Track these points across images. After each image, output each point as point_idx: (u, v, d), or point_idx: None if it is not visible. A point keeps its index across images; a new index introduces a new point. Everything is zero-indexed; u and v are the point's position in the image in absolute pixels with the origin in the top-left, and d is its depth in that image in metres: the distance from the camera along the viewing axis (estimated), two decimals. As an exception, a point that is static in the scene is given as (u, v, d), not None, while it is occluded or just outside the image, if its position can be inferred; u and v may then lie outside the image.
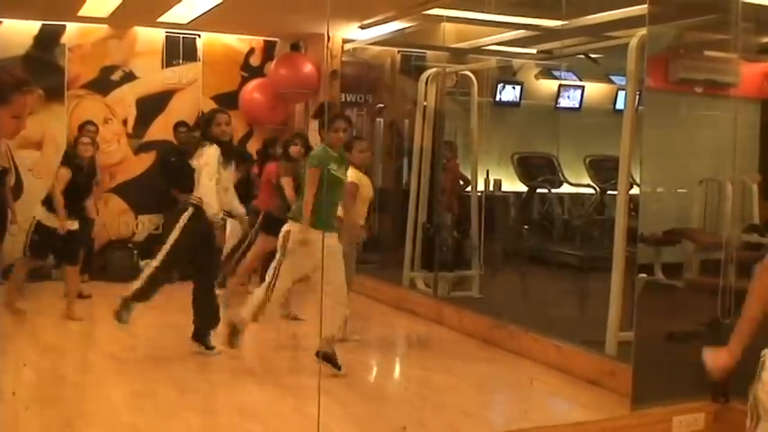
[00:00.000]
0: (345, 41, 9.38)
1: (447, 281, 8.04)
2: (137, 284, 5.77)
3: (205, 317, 5.90)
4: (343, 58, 9.51)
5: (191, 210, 5.75)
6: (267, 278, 5.44)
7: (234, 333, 5.48)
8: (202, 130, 5.96)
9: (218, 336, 5.77)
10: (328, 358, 5.34)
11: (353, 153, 6.05)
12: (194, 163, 5.81)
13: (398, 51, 9.94)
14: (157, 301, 7.84)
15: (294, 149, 7.16)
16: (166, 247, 5.77)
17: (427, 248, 8.34)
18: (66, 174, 7.00)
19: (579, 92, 10.10)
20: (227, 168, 5.85)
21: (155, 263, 5.77)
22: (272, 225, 6.95)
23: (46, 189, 8.78)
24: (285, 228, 5.41)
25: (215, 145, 5.73)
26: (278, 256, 5.41)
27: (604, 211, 8.80)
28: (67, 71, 9.03)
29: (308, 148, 7.20)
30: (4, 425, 4.37)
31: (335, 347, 5.44)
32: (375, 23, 8.32)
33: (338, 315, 5.39)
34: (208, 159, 5.69)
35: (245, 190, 7.60)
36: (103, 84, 9.22)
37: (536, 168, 9.37)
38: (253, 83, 9.72)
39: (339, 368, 5.37)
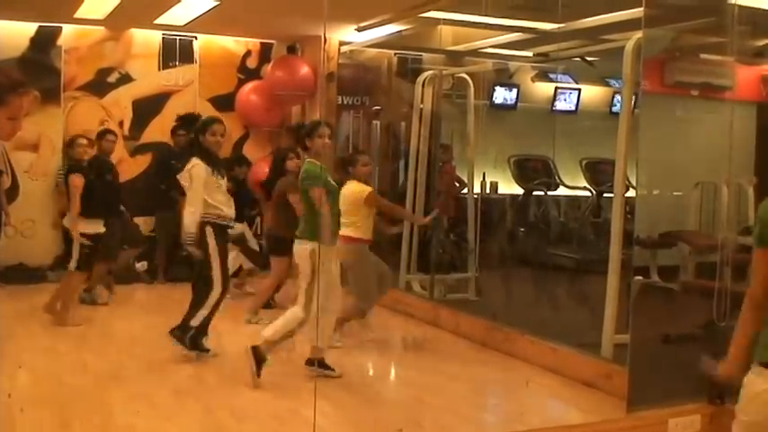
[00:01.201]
0: (342, 44, 9.38)
1: (443, 283, 8.04)
2: (204, 312, 5.73)
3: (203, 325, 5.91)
4: (340, 61, 9.52)
5: (210, 227, 5.72)
6: (301, 300, 5.26)
7: (260, 361, 5.26)
8: (195, 135, 5.88)
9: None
10: (322, 365, 5.42)
11: (357, 167, 6.20)
12: (181, 178, 5.80)
13: (395, 54, 9.94)
14: (152, 304, 7.87)
15: (291, 164, 7.10)
16: (218, 273, 5.72)
17: (423, 251, 8.34)
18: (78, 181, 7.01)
19: (575, 95, 10.10)
20: (220, 178, 5.81)
21: (217, 290, 5.73)
22: (276, 247, 6.94)
23: (42, 191, 8.85)
24: (308, 248, 5.26)
25: (201, 162, 5.69)
26: (308, 279, 5.24)
27: (600, 214, 8.80)
28: (64, 73, 9.02)
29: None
30: (0, 426, 4.36)
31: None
32: (372, 26, 8.33)
33: (330, 324, 5.49)
34: (195, 180, 5.68)
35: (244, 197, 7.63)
36: (100, 86, 9.21)
37: (532, 171, 9.37)
38: (249, 85, 9.72)
39: (333, 369, 5.43)
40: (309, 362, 5.45)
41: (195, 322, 5.76)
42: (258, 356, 5.22)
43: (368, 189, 6.19)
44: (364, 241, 6.19)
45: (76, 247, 6.84)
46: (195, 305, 5.77)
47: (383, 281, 6.46)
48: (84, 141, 7.24)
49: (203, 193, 5.66)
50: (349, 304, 6.04)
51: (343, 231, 6.17)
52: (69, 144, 7.46)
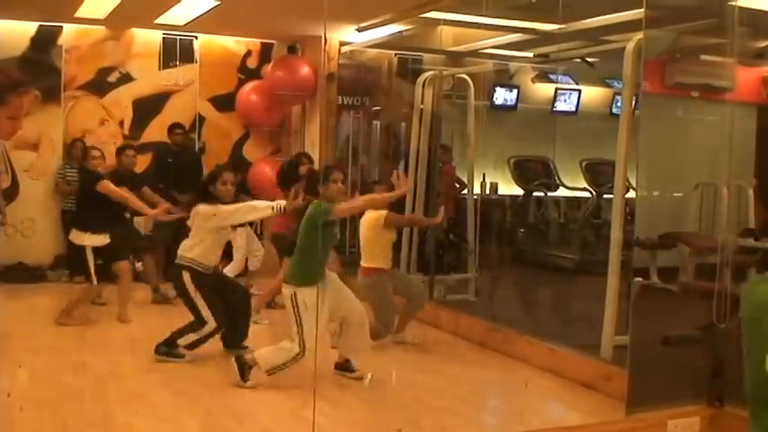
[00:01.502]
0: (342, 44, 9.38)
1: (443, 284, 8.03)
2: (194, 337, 5.76)
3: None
4: (340, 61, 9.52)
5: (186, 273, 5.75)
6: (295, 339, 5.13)
7: (244, 369, 5.26)
8: (204, 185, 5.86)
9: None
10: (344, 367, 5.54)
11: None
12: (190, 223, 5.84)
13: (395, 54, 9.95)
14: (152, 304, 7.85)
15: (303, 169, 7.08)
16: (207, 312, 5.72)
17: (423, 252, 8.34)
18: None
19: (576, 95, 10.10)
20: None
21: (211, 325, 5.73)
22: (285, 248, 6.95)
23: (42, 190, 8.84)
24: (288, 291, 5.16)
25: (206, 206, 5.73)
26: (293, 320, 5.14)
27: (600, 215, 8.80)
28: (64, 72, 9.03)
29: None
30: (0, 425, 4.37)
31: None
32: (372, 26, 8.33)
33: (366, 335, 5.54)
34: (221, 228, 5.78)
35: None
36: (100, 85, 9.22)
37: (532, 172, 9.37)
38: (249, 85, 9.72)
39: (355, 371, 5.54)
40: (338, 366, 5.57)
41: (183, 342, 5.77)
42: (242, 365, 5.23)
43: (384, 213, 6.22)
44: (384, 270, 6.29)
45: (91, 261, 6.81)
46: (187, 329, 5.79)
47: (416, 301, 6.57)
48: (98, 153, 7.14)
49: (212, 230, 5.75)
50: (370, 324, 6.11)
51: (365, 263, 6.28)
52: (83, 157, 7.37)
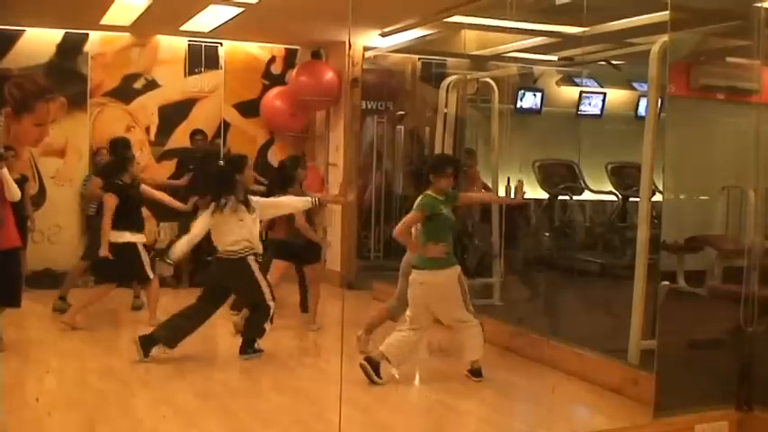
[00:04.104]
0: (366, 49, 9.40)
1: (468, 288, 7.99)
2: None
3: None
4: (364, 66, 9.54)
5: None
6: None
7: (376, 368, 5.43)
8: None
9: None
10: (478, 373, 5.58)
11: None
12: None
13: (419, 59, 9.96)
14: (178, 309, 7.89)
15: (303, 173, 7.08)
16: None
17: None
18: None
19: (601, 98, 10.07)
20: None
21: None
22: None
23: (69, 196, 8.92)
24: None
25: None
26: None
27: (626, 219, 8.74)
28: (90, 79, 9.12)
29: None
30: (29, 430, 4.40)
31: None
32: (396, 31, 8.33)
33: (477, 336, 5.58)
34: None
35: None
36: (126, 92, 9.30)
37: (557, 175, 9.33)
38: (274, 90, 9.76)
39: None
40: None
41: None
42: (374, 365, 5.40)
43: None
44: None
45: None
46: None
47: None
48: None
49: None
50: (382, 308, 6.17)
51: None
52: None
